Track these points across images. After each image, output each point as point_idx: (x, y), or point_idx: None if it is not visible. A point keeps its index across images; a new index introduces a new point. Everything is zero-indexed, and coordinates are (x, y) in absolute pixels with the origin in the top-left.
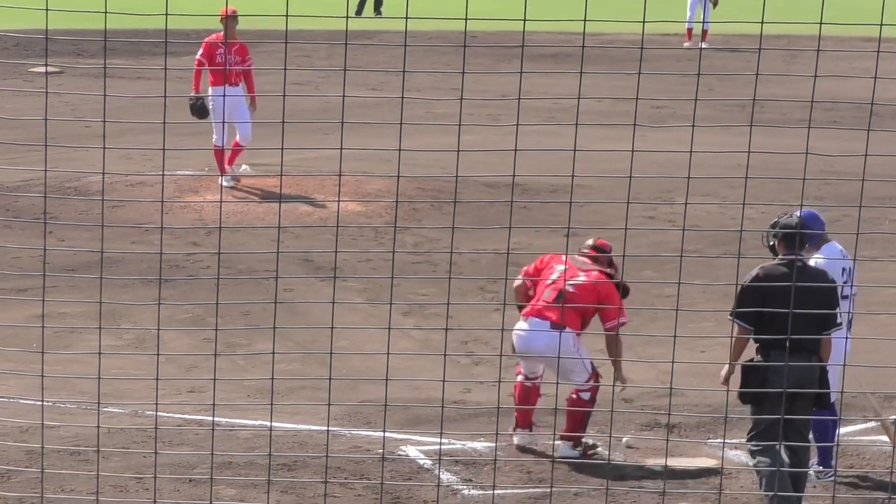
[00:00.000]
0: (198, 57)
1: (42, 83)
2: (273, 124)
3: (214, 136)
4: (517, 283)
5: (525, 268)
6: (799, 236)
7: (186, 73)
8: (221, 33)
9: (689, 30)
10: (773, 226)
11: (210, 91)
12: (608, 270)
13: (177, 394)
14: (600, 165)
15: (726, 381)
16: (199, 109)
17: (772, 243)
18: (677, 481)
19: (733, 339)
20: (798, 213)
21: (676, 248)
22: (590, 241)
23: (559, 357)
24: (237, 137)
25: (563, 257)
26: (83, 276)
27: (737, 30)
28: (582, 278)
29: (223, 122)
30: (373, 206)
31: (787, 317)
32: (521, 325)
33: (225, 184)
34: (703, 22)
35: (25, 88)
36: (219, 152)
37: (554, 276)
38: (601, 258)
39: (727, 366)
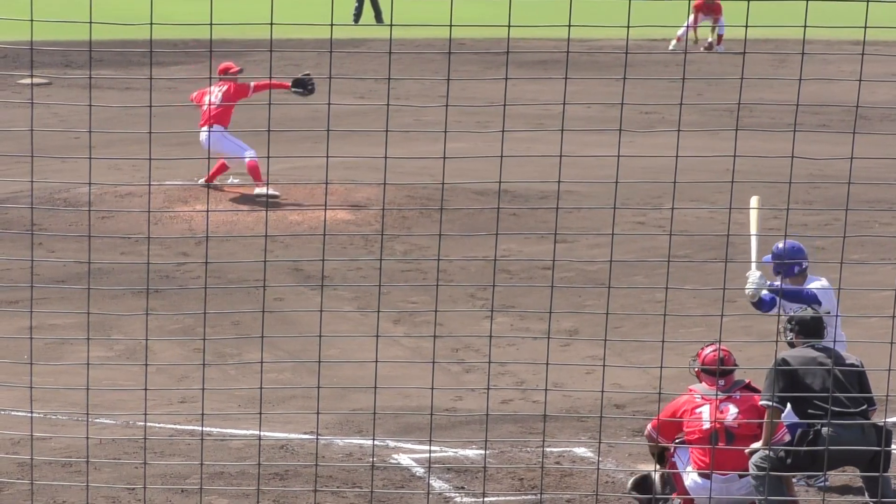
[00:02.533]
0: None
1: (30, 95)
2: (261, 133)
3: (246, 153)
4: (648, 434)
5: (653, 423)
6: (815, 326)
7: (175, 82)
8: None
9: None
10: (790, 320)
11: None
12: (749, 382)
13: (168, 404)
14: (590, 171)
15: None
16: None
17: (790, 338)
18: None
19: (769, 422)
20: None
21: (666, 254)
22: (707, 352)
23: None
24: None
25: (697, 396)
26: (73, 288)
27: (725, 34)
28: (735, 410)
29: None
30: (362, 215)
31: (820, 395)
32: (700, 480)
33: (259, 191)
34: (718, 26)
35: (14, 100)
36: (255, 165)
37: (705, 418)
38: (730, 373)
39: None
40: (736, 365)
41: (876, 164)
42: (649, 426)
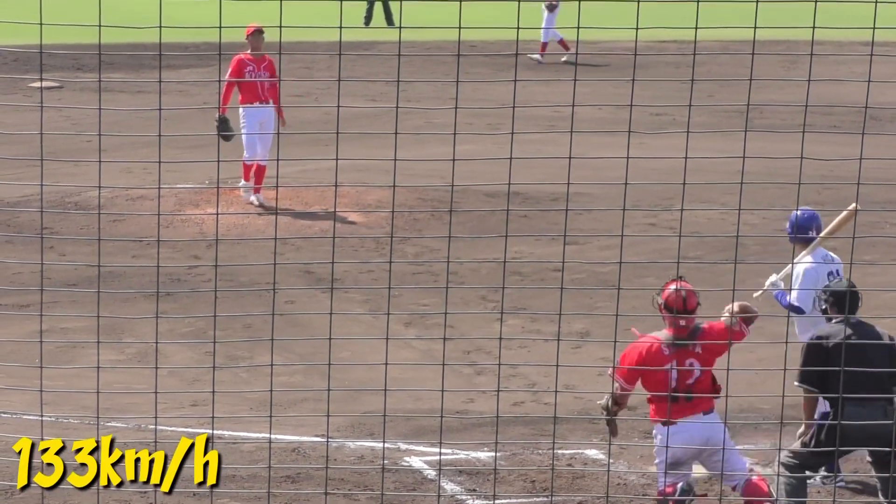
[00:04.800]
0: (227, 75)
1: (41, 98)
2: (272, 136)
3: (246, 153)
4: (613, 378)
5: (620, 372)
6: (850, 300)
7: (185, 85)
8: (249, 51)
9: (544, 44)
10: (824, 292)
11: (241, 109)
12: (708, 327)
13: (179, 407)
14: (601, 173)
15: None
16: (225, 129)
17: (824, 307)
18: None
19: (805, 401)
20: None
21: (677, 255)
22: (672, 289)
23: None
24: (258, 158)
25: (664, 348)
26: (84, 291)
27: (735, 35)
28: (697, 365)
29: (255, 140)
30: (373, 217)
31: (853, 374)
32: (675, 429)
33: (255, 201)
34: (545, 28)
35: (25, 103)
36: (248, 168)
37: (674, 377)
38: (691, 314)
39: (804, 426)
40: (699, 304)
41: (886, 164)
42: (615, 374)
